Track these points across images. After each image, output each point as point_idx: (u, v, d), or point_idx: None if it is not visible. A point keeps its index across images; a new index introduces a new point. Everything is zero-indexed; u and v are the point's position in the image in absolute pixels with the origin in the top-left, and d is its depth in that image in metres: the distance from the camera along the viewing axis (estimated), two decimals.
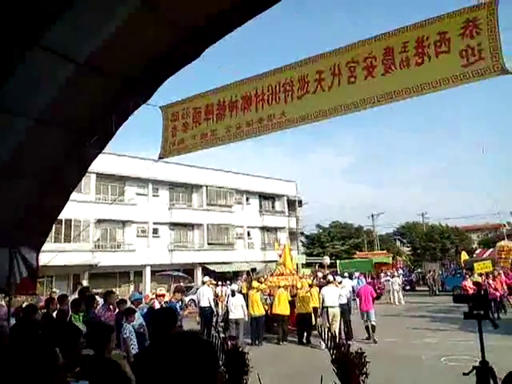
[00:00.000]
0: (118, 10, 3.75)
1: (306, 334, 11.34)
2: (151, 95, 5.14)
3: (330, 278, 11.57)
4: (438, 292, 26.37)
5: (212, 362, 1.18)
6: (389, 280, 23.70)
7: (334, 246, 46.24)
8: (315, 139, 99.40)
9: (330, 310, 10.32)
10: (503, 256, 21.54)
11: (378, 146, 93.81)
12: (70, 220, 24.99)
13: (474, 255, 32.99)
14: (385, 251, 42.81)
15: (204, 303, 11.80)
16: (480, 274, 19.51)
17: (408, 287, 29.26)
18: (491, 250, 28.43)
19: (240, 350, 3.49)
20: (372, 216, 49.10)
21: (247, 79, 4.76)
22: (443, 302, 18.51)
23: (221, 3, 4.18)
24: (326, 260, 25.73)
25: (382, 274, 27.81)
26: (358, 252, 41.72)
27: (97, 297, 7.61)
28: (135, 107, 5.21)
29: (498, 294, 15.72)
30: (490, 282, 17.68)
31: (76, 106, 4.78)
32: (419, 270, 37.79)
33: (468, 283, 17.93)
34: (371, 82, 4.03)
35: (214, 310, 12.69)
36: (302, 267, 29.78)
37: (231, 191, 34.54)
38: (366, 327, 11.39)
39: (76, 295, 8.31)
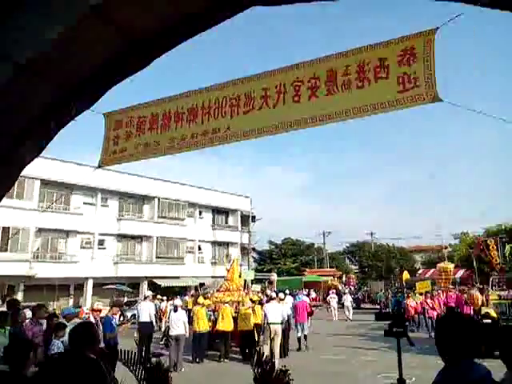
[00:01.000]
0: (66, 15, 3.60)
1: (248, 351, 11.22)
2: (95, 101, 4.97)
3: (273, 294, 11.62)
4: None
5: (98, 379, 1.14)
6: (333, 297, 24.36)
7: (285, 262, 46.62)
8: (274, 156, 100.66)
9: (271, 326, 10.29)
10: (443, 276, 22.61)
11: (333, 167, 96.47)
12: (8, 228, 23.51)
13: (417, 275, 34.46)
14: (334, 269, 43.78)
15: (144, 318, 11.38)
16: (421, 293, 20.35)
17: (354, 305, 29.94)
18: (433, 270, 29.84)
19: (163, 367, 3.38)
20: (323, 234, 50.08)
21: (193, 91, 4.74)
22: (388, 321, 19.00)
23: (173, 15, 4.13)
24: (274, 277, 25.82)
25: (330, 292, 28.40)
26: (307, 269, 42.34)
27: (26, 310, 7.12)
28: (78, 113, 5.01)
29: (435, 313, 16.35)
30: (429, 301, 18.47)
31: (11, 108, 4.51)
32: (365, 288, 38.80)
33: (409, 302, 18.62)
34: (315, 102, 4.11)
35: (155, 325, 12.27)
36: (252, 283, 29.84)
37: (184, 204, 34.05)
38: (298, 339, 12.73)
39: (4, 308, 7.75)
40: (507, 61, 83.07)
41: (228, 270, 15.80)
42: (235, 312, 12.18)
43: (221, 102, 4.54)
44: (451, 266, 24.07)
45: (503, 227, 34.34)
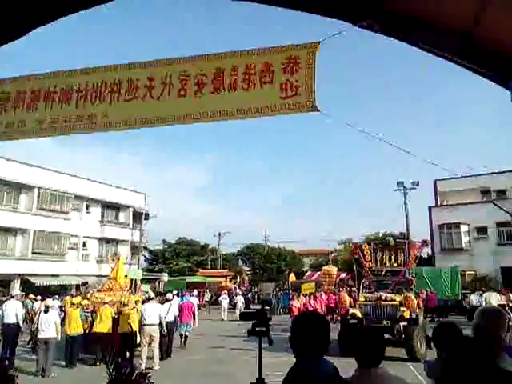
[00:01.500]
0: None
1: (128, 354, 10.70)
2: None
3: (152, 294, 11.30)
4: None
5: None
6: (225, 298, 24.59)
7: (178, 262, 45.84)
8: (174, 154, 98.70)
9: (147, 327, 9.95)
10: (327, 279, 24.19)
11: (233, 170, 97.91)
12: None
13: (305, 277, 36.53)
14: (227, 270, 44.36)
15: (9, 319, 10.23)
16: (305, 295, 21.52)
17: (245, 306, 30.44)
18: (318, 273, 31.87)
19: (8, 374, 2.99)
20: (219, 235, 50.37)
21: (70, 71, 4.34)
22: (276, 321, 19.73)
23: None
24: (164, 277, 25.25)
25: (222, 292, 28.73)
26: (201, 270, 42.23)
27: None
28: None
29: None
30: (312, 302, 19.61)
31: None
32: (255, 290, 39.92)
33: (294, 303, 19.55)
34: (200, 99, 4.04)
35: (24, 327, 11.10)
36: (142, 283, 28.93)
37: (69, 196, 31.37)
38: (180, 335, 13.40)
39: None
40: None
41: (112, 269, 14.95)
42: (116, 313, 11.54)
43: (99, 86, 4.22)
44: (334, 269, 25.92)
45: (380, 235, 38.23)
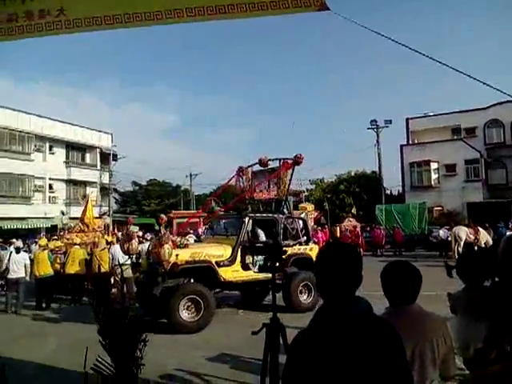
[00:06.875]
0: None
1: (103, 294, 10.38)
2: None
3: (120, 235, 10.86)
4: None
5: None
6: (191, 236, 24.64)
7: (150, 204, 45.23)
8: (138, 92, 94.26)
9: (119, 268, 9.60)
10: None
11: (202, 108, 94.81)
12: None
13: None
14: (200, 210, 44.12)
15: None
16: None
17: None
18: (295, 211, 32.26)
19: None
20: (190, 175, 49.53)
21: None
22: None
23: None
24: (131, 219, 24.80)
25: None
26: (174, 211, 41.86)
27: None
28: None
29: None
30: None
31: None
32: None
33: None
34: None
35: None
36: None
37: (31, 136, 29.49)
38: None
39: None
40: None
41: (83, 211, 14.28)
42: (89, 254, 11.09)
43: None
44: (311, 206, 26.13)
45: (352, 174, 38.40)
